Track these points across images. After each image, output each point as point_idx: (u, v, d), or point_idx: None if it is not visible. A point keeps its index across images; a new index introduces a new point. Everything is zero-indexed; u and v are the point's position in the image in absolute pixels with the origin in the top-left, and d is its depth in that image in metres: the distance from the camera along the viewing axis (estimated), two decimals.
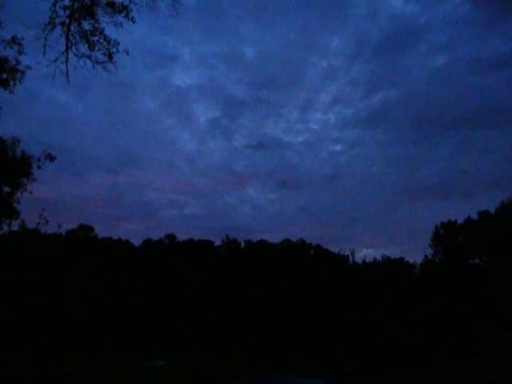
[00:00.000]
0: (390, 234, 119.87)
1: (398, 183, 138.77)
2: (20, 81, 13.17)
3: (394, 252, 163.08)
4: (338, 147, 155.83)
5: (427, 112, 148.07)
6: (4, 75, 12.93)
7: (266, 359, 26.53)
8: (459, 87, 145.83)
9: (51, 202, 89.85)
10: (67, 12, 12.69)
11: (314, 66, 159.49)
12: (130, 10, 13.15)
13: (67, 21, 12.77)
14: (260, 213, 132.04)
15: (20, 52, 12.77)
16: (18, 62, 13.15)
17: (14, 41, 12.99)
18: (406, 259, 67.94)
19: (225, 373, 22.80)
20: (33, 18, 12.28)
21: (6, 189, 14.54)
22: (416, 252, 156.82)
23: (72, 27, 12.93)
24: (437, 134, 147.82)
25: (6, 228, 14.71)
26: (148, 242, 79.96)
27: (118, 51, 13.54)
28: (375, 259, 62.01)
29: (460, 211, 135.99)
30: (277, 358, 26.00)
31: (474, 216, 60.09)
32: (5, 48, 13.08)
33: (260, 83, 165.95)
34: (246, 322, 39.85)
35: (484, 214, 58.47)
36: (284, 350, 30.63)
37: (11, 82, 13.12)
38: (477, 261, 57.40)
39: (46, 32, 12.40)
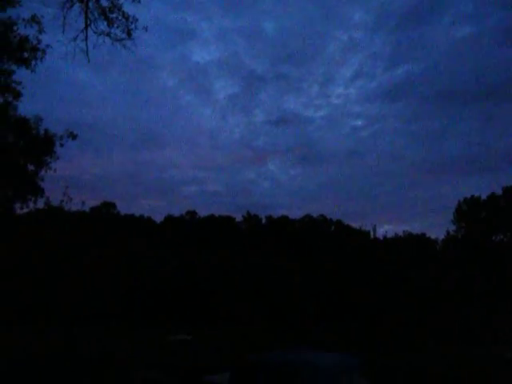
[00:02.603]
0: (411, 209, 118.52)
1: (420, 158, 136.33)
2: (41, 59, 13.26)
3: (415, 228, 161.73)
4: (359, 122, 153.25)
5: (451, 85, 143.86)
6: (25, 54, 13.02)
7: (287, 334, 26.91)
8: (485, 59, 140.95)
9: (74, 180, 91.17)
10: None
11: (334, 39, 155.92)
12: None
13: None
14: (281, 189, 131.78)
15: (40, 31, 12.81)
16: (39, 41, 13.21)
17: (34, 19, 13.01)
18: (427, 235, 67.54)
19: (247, 347, 23.21)
20: None
21: (31, 167, 14.86)
22: (438, 228, 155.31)
23: (90, 4, 12.85)
24: (460, 108, 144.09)
25: (31, 205, 15.06)
26: (169, 219, 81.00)
27: (136, 28, 13.47)
28: (397, 235, 61.66)
29: (484, 187, 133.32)
30: (298, 334, 26.36)
31: (499, 191, 59.01)
32: (25, 27, 13.15)
33: (280, 58, 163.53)
34: (268, 297, 40.28)
35: (509, 190, 57.27)
36: (305, 326, 30.96)
37: (32, 61, 13.22)
38: (501, 237, 56.58)
39: (65, 10, 12.34)
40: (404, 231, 65.49)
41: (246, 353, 20.24)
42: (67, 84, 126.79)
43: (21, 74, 14.19)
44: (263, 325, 31.93)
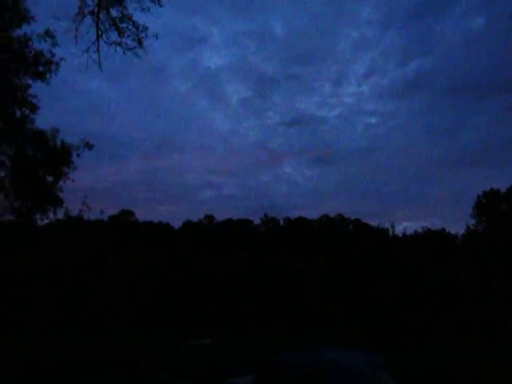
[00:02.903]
0: (430, 205, 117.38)
1: (436, 153, 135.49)
2: (55, 72, 13.61)
3: (434, 224, 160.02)
4: (374, 119, 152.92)
5: (464, 78, 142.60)
6: (40, 68, 13.36)
7: (306, 334, 26.85)
8: (498, 50, 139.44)
9: (92, 190, 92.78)
10: (95, 0, 12.89)
11: (345, 37, 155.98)
12: None
13: (96, 9, 12.97)
14: (297, 189, 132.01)
15: (54, 44, 13.16)
16: (53, 55, 13.55)
17: (48, 34, 13.36)
18: (447, 230, 66.76)
19: (266, 349, 23.22)
20: (63, 11, 12.54)
21: (50, 178, 15.17)
22: (458, 223, 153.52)
23: (101, 16, 13.13)
24: (475, 101, 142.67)
25: (51, 216, 15.38)
26: (188, 224, 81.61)
27: (146, 36, 13.74)
28: (416, 231, 61.00)
29: (503, 179, 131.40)
30: (319, 334, 26.27)
31: None
32: (39, 42, 13.50)
33: (290, 59, 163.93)
34: (288, 298, 40.26)
35: None
36: (325, 325, 30.84)
37: (47, 75, 13.56)
38: None
39: (77, 23, 12.63)
40: (423, 227, 64.92)
41: (268, 354, 20.30)
42: (82, 94, 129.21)
43: (36, 88, 14.56)
44: (284, 325, 31.87)
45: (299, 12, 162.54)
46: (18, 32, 13.31)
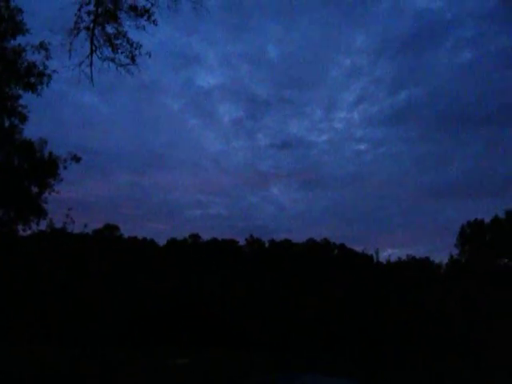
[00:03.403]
0: (415, 233, 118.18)
1: (423, 182, 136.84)
2: (47, 84, 13.66)
3: (419, 251, 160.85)
4: (363, 146, 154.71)
5: (454, 109, 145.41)
6: (32, 79, 13.41)
7: (289, 358, 26.66)
8: (487, 83, 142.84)
9: (78, 202, 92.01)
10: (91, 17, 13.04)
11: (337, 64, 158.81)
12: (152, 13, 13.42)
13: (91, 25, 13.12)
14: (284, 212, 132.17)
15: (47, 57, 13.25)
16: (46, 67, 13.61)
17: (42, 46, 13.45)
18: (431, 259, 67.04)
19: (248, 370, 22.99)
20: (59, 24, 12.66)
21: (35, 189, 15.07)
22: (442, 251, 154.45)
23: (96, 31, 13.27)
24: (464, 132, 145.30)
25: (34, 227, 15.23)
26: (172, 242, 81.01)
27: (140, 54, 13.83)
28: (400, 259, 61.22)
29: (487, 210, 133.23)
30: (300, 357, 26.13)
31: (502, 215, 58.83)
32: (33, 53, 13.58)
33: (283, 83, 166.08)
34: (270, 320, 39.97)
35: None
36: (308, 349, 30.66)
37: (39, 86, 13.61)
38: (505, 261, 56.14)
39: (72, 37, 12.75)
40: (408, 255, 65.08)
41: (250, 376, 20.06)
42: (73, 107, 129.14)
43: (27, 98, 14.57)
44: (266, 348, 31.65)
45: (294, 37, 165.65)
46: (13, 42, 13.38)
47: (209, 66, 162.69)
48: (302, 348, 30.10)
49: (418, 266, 58.36)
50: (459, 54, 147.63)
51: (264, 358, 27.04)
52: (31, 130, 15.50)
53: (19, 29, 13.03)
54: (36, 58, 13.58)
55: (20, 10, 12.85)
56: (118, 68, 13.59)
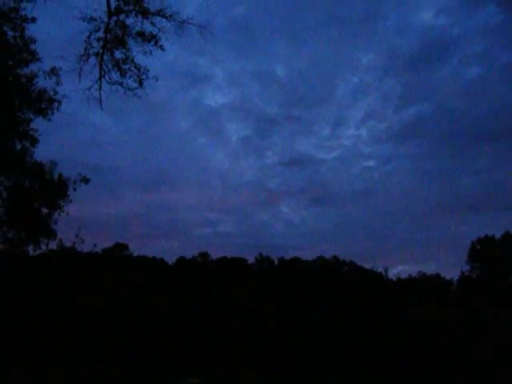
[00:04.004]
0: (425, 249, 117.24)
1: (433, 198, 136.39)
2: (57, 109, 14.12)
3: (430, 268, 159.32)
4: (371, 163, 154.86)
5: (462, 125, 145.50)
6: (43, 105, 13.86)
7: (295, 375, 26.52)
8: (495, 98, 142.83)
9: (88, 221, 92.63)
10: (101, 43, 13.55)
11: (345, 81, 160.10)
12: (159, 39, 13.90)
13: (101, 51, 13.63)
14: (293, 230, 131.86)
15: (58, 83, 13.73)
16: (56, 92, 14.08)
17: (53, 72, 13.95)
18: (442, 275, 66.42)
19: None
20: (70, 51, 13.15)
21: (45, 210, 15.43)
22: (453, 268, 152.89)
23: (105, 57, 13.79)
24: (473, 147, 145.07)
25: (44, 248, 15.56)
26: (182, 260, 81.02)
27: (147, 78, 14.28)
28: (410, 276, 60.79)
29: (498, 226, 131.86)
30: (306, 374, 25.98)
31: None
32: (45, 79, 14.09)
33: (291, 101, 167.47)
34: (279, 339, 39.74)
35: None
36: (316, 369, 30.42)
37: (49, 111, 14.07)
38: None
39: (82, 62, 13.25)
40: (418, 272, 64.61)
41: None
42: (84, 127, 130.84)
43: (38, 121, 15.00)
44: (273, 367, 31.48)
45: (301, 55, 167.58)
46: (25, 69, 13.90)
47: (217, 85, 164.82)
48: (308, 365, 29.91)
49: (428, 283, 57.89)
50: (466, 70, 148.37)
51: (271, 375, 26.92)
52: (44, 151, 15.93)
53: (32, 57, 13.56)
54: (47, 83, 14.05)
55: (33, 40, 13.38)
56: (126, 92, 14.08)
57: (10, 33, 12.99)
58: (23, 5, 12.49)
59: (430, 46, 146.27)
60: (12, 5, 12.44)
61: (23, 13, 12.62)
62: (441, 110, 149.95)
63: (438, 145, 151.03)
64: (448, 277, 67.85)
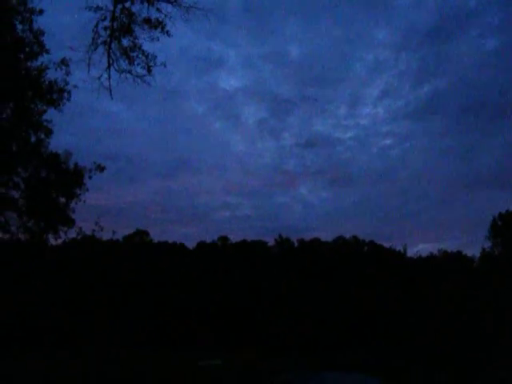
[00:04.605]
0: (446, 227, 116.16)
1: (452, 174, 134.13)
2: (68, 100, 14.36)
3: (451, 245, 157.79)
4: (389, 141, 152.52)
5: (480, 99, 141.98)
6: (54, 96, 14.10)
7: (316, 357, 26.81)
8: None
9: (109, 209, 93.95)
10: (108, 32, 13.63)
11: (360, 59, 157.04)
12: (165, 25, 13.89)
13: (108, 40, 13.71)
14: (312, 211, 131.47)
15: (67, 73, 13.94)
16: (67, 83, 14.29)
17: (63, 62, 14.12)
18: (463, 253, 65.84)
19: (277, 369, 23.27)
20: (78, 41, 13.28)
21: (62, 199, 15.80)
22: (475, 245, 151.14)
23: (112, 45, 13.85)
24: (492, 121, 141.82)
25: (63, 236, 15.97)
26: (202, 245, 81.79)
27: (155, 64, 14.31)
28: (431, 253, 60.47)
29: None
30: (326, 355, 26.21)
31: None
32: (55, 70, 14.28)
33: (306, 81, 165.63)
34: (300, 320, 40.09)
35: None
36: (335, 347, 30.67)
37: (60, 102, 14.31)
38: None
39: (90, 52, 13.35)
40: (439, 249, 64.13)
41: (276, 375, 20.33)
42: (100, 115, 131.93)
43: (52, 112, 15.24)
44: (295, 346, 31.85)
45: (315, 35, 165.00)
46: (36, 62, 14.13)
47: (231, 69, 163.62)
48: (329, 346, 30.14)
49: (450, 260, 57.45)
50: (484, 42, 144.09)
51: (290, 358, 27.27)
52: (61, 141, 16.23)
53: (42, 49, 13.77)
54: (58, 74, 14.25)
55: (42, 32, 13.58)
56: (135, 79, 14.17)
57: (19, 26, 13.16)
58: None
59: (447, 19, 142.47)
60: None
61: (30, 5, 12.78)
62: (459, 85, 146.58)
63: (456, 120, 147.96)
64: (470, 254, 67.32)
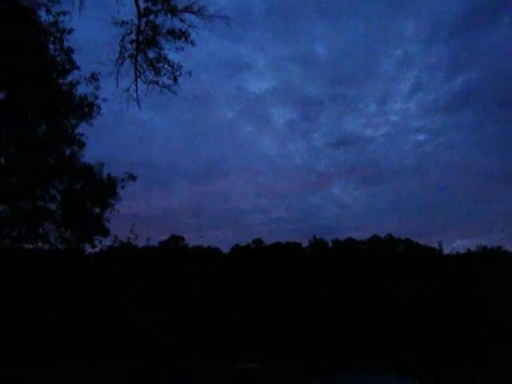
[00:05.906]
0: (484, 222, 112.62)
1: (488, 168, 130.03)
2: (98, 113, 14.91)
3: (490, 241, 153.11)
4: (422, 136, 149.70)
5: None
6: (85, 110, 14.65)
7: (349, 359, 26.60)
8: None
9: (142, 216, 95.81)
10: (134, 45, 14.08)
11: (388, 55, 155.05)
12: (189, 35, 14.22)
13: (134, 53, 14.15)
14: (346, 211, 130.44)
15: (96, 87, 14.49)
16: (96, 97, 14.81)
17: (93, 77, 14.67)
18: (503, 248, 63.79)
19: (313, 372, 23.21)
20: (106, 55, 13.77)
21: (96, 210, 16.34)
22: None
23: (139, 58, 14.31)
24: None
25: (99, 245, 16.50)
26: (236, 248, 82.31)
27: (181, 74, 14.65)
28: (469, 250, 58.92)
29: None
30: (360, 358, 25.97)
31: None
32: (86, 85, 14.85)
33: (334, 80, 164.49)
34: (337, 322, 39.82)
35: None
36: (375, 350, 30.31)
37: (90, 115, 14.87)
38: None
39: (118, 66, 13.82)
40: (478, 245, 62.38)
41: (312, 378, 20.27)
42: (131, 125, 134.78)
43: (85, 125, 15.78)
44: (329, 349, 31.67)
45: (341, 33, 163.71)
46: (67, 78, 14.73)
47: (259, 72, 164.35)
48: (363, 348, 29.81)
49: (489, 257, 55.74)
50: None
51: (324, 361, 27.15)
52: (93, 152, 16.75)
53: (72, 66, 14.35)
54: (87, 89, 14.80)
55: (72, 50, 14.17)
56: (162, 89, 14.55)
57: (51, 45, 13.74)
58: (60, 18, 13.18)
59: (477, 7, 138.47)
60: (51, 20, 13.16)
61: (61, 26, 13.32)
62: (492, 75, 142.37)
63: (490, 112, 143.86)
64: (510, 249, 65.12)
